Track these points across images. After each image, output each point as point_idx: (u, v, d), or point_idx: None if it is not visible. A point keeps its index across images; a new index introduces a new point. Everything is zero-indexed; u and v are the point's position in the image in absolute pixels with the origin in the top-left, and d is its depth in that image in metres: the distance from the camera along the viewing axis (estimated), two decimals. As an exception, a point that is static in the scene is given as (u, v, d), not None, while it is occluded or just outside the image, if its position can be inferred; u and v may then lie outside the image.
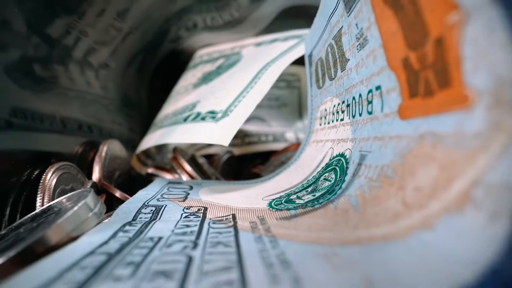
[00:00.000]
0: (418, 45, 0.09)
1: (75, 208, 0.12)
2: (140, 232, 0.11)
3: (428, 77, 0.09)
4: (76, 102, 0.28)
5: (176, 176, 0.25)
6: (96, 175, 0.22)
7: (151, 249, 0.09)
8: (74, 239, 0.11)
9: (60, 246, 0.11)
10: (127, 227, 0.12)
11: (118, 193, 0.19)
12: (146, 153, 0.30)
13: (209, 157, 0.32)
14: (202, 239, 0.10)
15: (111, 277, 0.07)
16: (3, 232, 0.14)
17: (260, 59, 0.26)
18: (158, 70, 0.39)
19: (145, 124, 0.37)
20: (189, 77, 0.32)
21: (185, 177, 0.23)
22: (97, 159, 0.23)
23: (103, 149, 0.23)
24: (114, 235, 0.11)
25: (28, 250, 0.11)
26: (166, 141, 0.22)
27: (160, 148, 0.33)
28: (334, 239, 0.09)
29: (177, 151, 0.25)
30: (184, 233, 0.11)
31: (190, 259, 0.08)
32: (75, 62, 0.28)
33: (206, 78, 0.28)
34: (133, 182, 0.29)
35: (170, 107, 0.29)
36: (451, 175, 0.08)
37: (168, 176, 0.24)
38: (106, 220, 0.13)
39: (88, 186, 0.19)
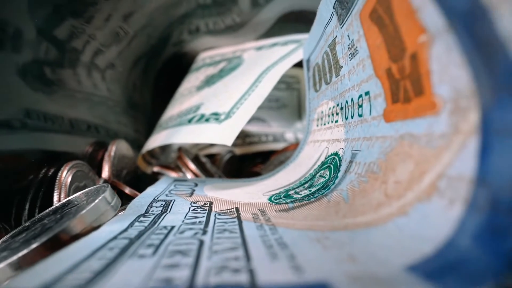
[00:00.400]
0: (398, 58, 0.10)
1: (96, 201, 0.13)
2: (154, 222, 0.13)
3: (406, 85, 0.10)
4: (84, 104, 0.29)
5: (181, 174, 0.26)
6: (105, 173, 0.23)
7: (166, 235, 0.11)
8: (95, 228, 0.13)
9: (83, 234, 0.13)
10: (141, 218, 0.13)
11: (127, 190, 0.21)
12: (151, 153, 0.32)
13: (211, 157, 0.34)
14: (210, 228, 0.12)
15: (136, 255, 0.09)
16: (27, 224, 0.15)
17: (260, 63, 0.27)
18: (161, 72, 0.41)
19: (149, 125, 0.38)
20: (192, 80, 0.34)
21: (189, 175, 0.25)
22: (106, 158, 0.24)
23: (112, 149, 0.24)
24: (131, 224, 0.12)
25: (56, 238, 0.12)
26: (172, 141, 0.24)
27: (164, 148, 0.35)
28: (325, 226, 0.11)
29: (182, 150, 0.26)
30: (194, 223, 0.12)
31: (201, 242, 0.10)
32: (83, 65, 0.29)
33: (209, 81, 0.30)
34: (139, 180, 0.30)
35: (174, 108, 0.30)
36: (423, 170, 0.09)
37: (173, 174, 0.26)
38: (121, 213, 0.14)
39: (100, 183, 0.21)
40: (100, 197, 0.13)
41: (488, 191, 0.07)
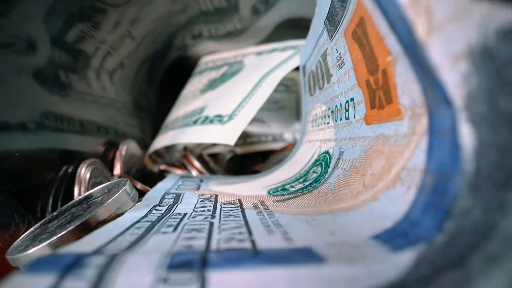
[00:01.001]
0: (374, 72, 0.13)
1: (119, 192, 0.15)
2: (168, 210, 0.15)
3: (380, 95, 0.13)
4: (94, 106, 0.31)
5: (186, 172, 0.29)
6: (117, 170, 0.26)
7: (181, 219, 0.13)
8: (118, 216, 0.15)
9: (108, 221, 0.15)
10: (157, 207, 0.16)
11: (139, 185, 0.23)
12: (157, 152, 0.34)
13: (214, 156, 0.36)
14: (217, 214, 0.14)
15: (159, 232, 0.11)
16: (54, 214, 0.18)
17: (260, 68, 0.29)
18: (165, 76, 0.43)
19: (155, 126, 0.41)
20: (195, 83, 0.36)
21: (194, 173, 0.27)
22: (118, 156, 0.26)
23: (123, 148, 0.27)
24: (149, 212, 0.15)
25: (87, 222, 0.14)
26: (178, 141, 0.26)
27: (169, 148, 0.37)
28: (314, 212, 0.13)
29: (187, 150, 0.28)
30: (203, 211, 0.15)
31: (211, 223, 0.12)
32: (93, 69, 0.31)
33: (212, 85, 0.32)
34: (146, 178, 0.32)
35: (179, 110, 0.33)
36: (391, 164, 0.11)
37: (179, 172, 0.28)
38: (138, 204, 0.17)
39: (115, 179, 0.23)
40: (122, 190, 0.16)
41: (431, 179, 0.09)
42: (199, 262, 0.08)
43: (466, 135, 0.08)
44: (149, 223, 0.13)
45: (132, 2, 0.32)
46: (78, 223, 0.14)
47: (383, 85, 0.12)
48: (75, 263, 0.08)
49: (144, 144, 0.36)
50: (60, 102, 0.27)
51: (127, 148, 0.27)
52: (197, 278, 0.07)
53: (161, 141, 0.30)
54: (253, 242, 0.10)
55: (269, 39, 0.38)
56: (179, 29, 0.39)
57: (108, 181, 0.24)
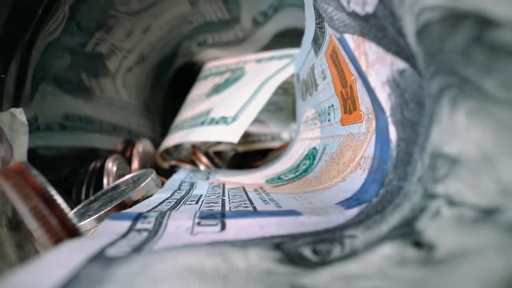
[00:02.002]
0: (345, 86, 0.17)
1: (148, 179, 0.20)
2: (187, 193, 0.20)
3: (349, 103, 0.17)
4: (109, 108, 0.36)
5: (194, 167, 0.33)
6: (135, 165, 0.30)
7: (199, 198, 0.18)
8: (148, 197, 0.20)
9: (139, 201, 0.20)
10: (177, 191, 0.20)
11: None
12: (166, 150, 0.39)
13: (218, 154, 0.41)
14: (226, 194, 0.19)
15: (185, 204, 0.16)
16: (92, 198, 0.22)
17: (260, 75, 0.34)
18: (173, 80, 0.47)
19: (163, 126, 0.45)
20: (201, 87, 0.41)
21: (202, 167, 0.32)
22: (135, 153, 0.31)
23: (140, 146, 0.31)
24: (172, 194, 0.19)
25: (124, 202, 0.19)
26: (188, 139, 0.31)
27: (177, 146, 0.41)
28: (300, 192, 0.18)
29: (196, 147, 0.33)
30: (214, 193, 0.19)
31: (223, 200, 0.17)
32: (109, 74, 0.36)
33: (217, 89, 0.37)
34: (158, 173, 0.37)
35: (187, 112, 0.37)
36: (355, 154, 0.16)
37: (188, 167, 0.33)
38: (161, 189, 0.21)
39: (141, 171, 0.28)
40: (149, 178, 0.20)
41: (376, 163, 0.14)
42: (219, 214, 0.12)
43: (392, 132, 0.12)
44: (175, 200, 0.17)
45: (146, 13, 0.36)
46: (118, 202, 0.18)
47: (351, 96, 0.17)
48: (139, 215, 0.12)
49: (155, 143, 0.41)
50: (81, 105, 0.32)
51: (143, 146, 0.32)
52: (218, 222, 0.12)
53: (172, 140, 0.34)
54: (254, 207, 0.14)
55: (268, 47, 0.42)
56: (185, 38, 0.44)
57: (128, 174, 0.29)
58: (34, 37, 0.20)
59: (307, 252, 0.10)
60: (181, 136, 0.33)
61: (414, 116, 0.11)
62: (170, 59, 0.45)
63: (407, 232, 0.09)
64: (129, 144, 0.33)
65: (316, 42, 0.21)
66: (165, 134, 0.41)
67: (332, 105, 0.20)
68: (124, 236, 0.10)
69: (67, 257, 0.08)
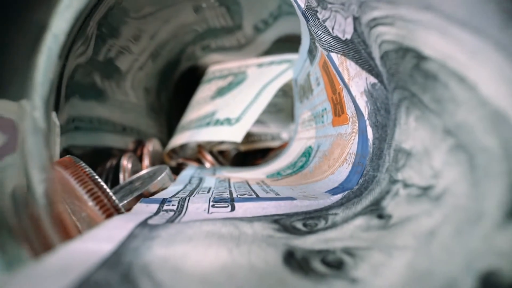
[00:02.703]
0: (334, 93, 0.20)
1: (163, 174, 0.23)
2: (197, 186, 0.23)
3: (338, 108, 0.20)
4: (119, 110, 0.39)
5: (200, 165, 0.36)
6: (146, 162, 0.33)
7: (209, 190, 0.21)
8: (163, 189, 0.23)
9: (156, 193, 0.23)
10: (188, 184, 0.23)
11: (166, 174, 0.31)
12: (173, 149, 0.42)
13: (221, 153, 0.44)
14: (232, 187, 0.22)
15: (198, 192, 0.19)
16: (113, 190, 0.25)
17: (261, 79, 0.37)
18: (177, 82, 0.51)
19: (169, 126, 0.48)
20: (205, 90, 0.44)
21: (208, 165, 0.35)
22: (146, 152, 0.34)
23: (150, 145, 0.34)
24: (185, 187, 0.22)
25: (142, 194, 0.22)
26: (195, 139, 0.34)
27: (183, 145, 0.45)
28: (296, 184, 0.21)
29: (201, 146, 0.36)
30: (221, 186, 0.22)
31: (230, 191, 0.20)
32: (119, 77, 0.39)
33: (220, 92, 0.40)
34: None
35: (193, 113, 0.41)
36: (343, 151, 0.19)
37: (195, 164, 0.36)
38: (173, 183, 0.24)
39: (156, 166, 0.31)
40: (164, 172, 0.23)
41: (358, 158, 0.17)
42: (229, 199, 0.16)
43: (369, 133, 0.15)
44: (188, 191, 0.20)
45: (154, 17, 0.39)
46: (139, 193, 0.22)
47: (339, 102, 0.20)
48: (164, 200, 0.15)
49: (162, 142, 0.44)
50: (95, 107, 0.35)
51: (153, 145, 0.35)
52: (229, 204, 0.15)
53: (179, 139, 0.37)
54: (257, 195, 0.17)
55: (268, 51, 0.45)
56: (190, 42, 0.47)
57: (140, 170, 0.32)
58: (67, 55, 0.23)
59: (299, 225, 0.13)
60: (188, 136, 0.36)
61: (384, 120, 0.14)
62: (175, 63, 0.48)
63: (375, 209, 0.12)
64: (140, 144, 0.36)
65: (311, 53, 0.24)
66: (171, 134, 0.44)
67: (325, 109, 0.23)
68: (155, 214, 0.14)
69: (123, 223, 0.11)
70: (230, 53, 0.47)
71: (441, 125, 0.10)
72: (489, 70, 0.08)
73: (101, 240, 0.09)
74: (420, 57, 0.10)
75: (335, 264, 0.09)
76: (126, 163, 0.29)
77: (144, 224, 0.11)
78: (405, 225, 0.10)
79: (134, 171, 0.30)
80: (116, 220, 0.11)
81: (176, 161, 0.39)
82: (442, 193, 0.10)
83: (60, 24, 0.20)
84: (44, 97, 0.17)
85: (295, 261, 0.10)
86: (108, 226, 0.11)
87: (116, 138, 0.36)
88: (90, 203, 0.12)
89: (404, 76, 0.11)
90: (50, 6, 0.20)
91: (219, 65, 0.48)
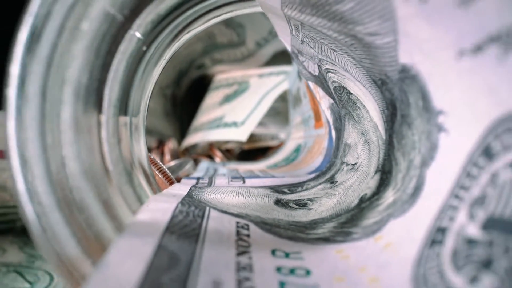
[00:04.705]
0: (315, 103, 0.30)
1: (189, 165, 0.32)
2: (214, 173, 0.32)
3: (318, 115, 0.30)
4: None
5: (210, 160, 0.45)
6: (167, 158, 0.43)
7: (224, 174, 0.30)
8: (188, 175, 0.32)
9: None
10: (207, 172, 0.33)
11: (185, 167, 0.40)
12: (186, 148, 0.51)
13: (227, 151, 0.53)
14: (241, 173, 0.31)
15: (217, 176, 0.28)
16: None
17: (262, 88, 0.46)
18: (187, 89, 0.60)
19: (181, 128, 0.57)
20: (213, 97, 0.53)
21: (218, 160, 0.44)
22: (166, 149, 0.43)
23: (170, 143, 0.44)
24: (205, 174, 0.32)
25: (176, 179, 0.31)
26: (207, 139, 0.43)
27: (193, 144, 0.54)
28: (287, 170, 0.30)
29: (212, 145, 0.45)
30: (232, 172, 0.32)
31: (240, 174, 0.29)
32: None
33: (227, 99, 0.49)
34: (180, 166, 0.49)
35: (203, 117, 0.50)
36: (320, 147, 0.28)
37: (206, 160, 0.45)
38: (196, 171, 0.34)
39: (181, 159, 0.40)
40: (189, 164, 0.33)
41: (327, 150, 0.26)
42: (241, 177, 0.25)
43: (333, 134, 0.25)
44: (209, 176, 0.30)
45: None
46: (175, 176, 0.31)
47: (317, 111, 0.29)
48: (199, 178, 0.25)
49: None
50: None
51: (171, 143, 0.44)
52: (241, 180, 0.24)
53: (193, 139, 0.47)
54: (258, 176, 0.27)
55: (268, 63, 0.55)
56: (199, 55, 0.56)
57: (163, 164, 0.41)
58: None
59: (285, 189, 0.22)
60: (201, 136, 0.45)
61: (339, 125, 0.23)
62: (187, 72, 0.57)
63: (330, 180, 0.22)
64: (160, 143, 0.45)
65: (300, 74, 0.33)
66: (182, 135, 0.54)
67: (310, 115, 0.32)
68: (196, 184, 0.23)
69: (183, 186, 0.20)
70: (235, 64, 0.56)
71: (360, 129, 0.19)
72: (372, 101, 0.17)
73: (178, 189, 0.19)
74: (349, 92, 0.19)
75: (302, 204, 0.19)
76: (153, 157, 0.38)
77: (194, 186, 0.20)
78: (341, 184, 0.19)
79: (160, 164, 0.39)
80: (178, 184, 0.20)
81: (190, 156, 0.48)
82: (359, 166, 0.19)
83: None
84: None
85: (280, 203, 0.19)
86: (176, 187, 0.20)
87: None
88: (161, 176, 0.21)
89: (344, 101, 0.20)
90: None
91: (224, 74, 0.57)
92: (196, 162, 0.46)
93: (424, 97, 0.12)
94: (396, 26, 0.11)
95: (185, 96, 0.60)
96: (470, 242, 0.09)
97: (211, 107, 0.51)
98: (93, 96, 0.11)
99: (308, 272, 0.11)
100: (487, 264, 0.08)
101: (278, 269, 0.11)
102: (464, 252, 0.09)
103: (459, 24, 0.08)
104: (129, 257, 0.09)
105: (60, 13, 0.11)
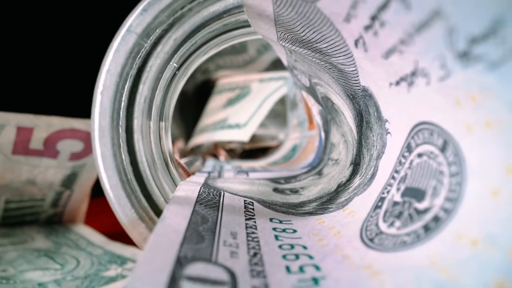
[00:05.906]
0: (308, 109, 0.35)
1: (198, 162, 0.38)
2: (221, 168, 0.38)
3: (311, 118, 0.35)
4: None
5: (215, 158, 0.51)
6: (176, 157, 0.48)
7: (230, 170, 0.36)
8: (199, 171, 0.37)
9: (194, 172, 0.37)
10: (215, 168, 0.38)
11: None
12: (192, 148, 0.56)
13: (230, 150, 0.58)
14: (245, 169, 0.36)
15: (225, 172, 0.34)
16: (161, 174, 0.40)
17: (262, 93, 0.52)
18: (193, 93, 0.65)
19: (187, 129, 0.63)
20: (217, 100, 0.59)
21: (222, 159, 0.50)
22: (175, 149, 0.49)
23: (179, 143, 0.49)
24: (213, 169, 0.37)
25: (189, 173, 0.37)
26: (212, 139, 0.49)
27: (199, 145, 0.59)
28: (284, 166, 0.36)
29: (217, 145, 0.51)
30: (237, 168, 0.37)
31: (246, 172, 0.35)
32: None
33: (230, 102, 0.55)
34: (187, 164, 0.55)
35: (208, 119, 0.55)
36: (312, 146, 0.34)
37: (212, 158, 0.51)
38: (204, 167, 0.39)
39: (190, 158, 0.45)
40: (199, 161, 0.38)
41: (317, 148, 0.31)
42: (245, 172, 0.30)
43: (322, 135, 0.30)
44: (218, 172, 0.35)
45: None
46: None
47: (310, 115, 0.34)
48: (209, 172, 0.30)
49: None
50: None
51: (180, 143, 0.50)
52: (245, 173, 0.30)
53: (199, 139, 0.52)
54: (259, 170, 0.32)
55: (268, 68, 0.60)
56: (205, 61, 0.61)
57: (174, 162, 0.46)
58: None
59: (281, 181, 0.27)
60: (206, 136, 0.51)
61: (327, 128, 0.29)
62: (192, 76, 0.63)
63: (318, 172, 0.27)
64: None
65: (295, 84, 0.39)
66: (188, 136, 0.59)
67: (305, 118, 0.38)
68: (208, 177, 0.28)
69: (199, 177, 0.26)
70: (237, 69, 0.62)
71: (341, 131, 0.24)
72: (348, 110, 0.22)
73: (196, 179, 0.24)
74: (332, 102, 0.25)
75: (294, 191, 0.24)
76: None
77: (208, 177, 0.26)
78: (326, 175, 0.25)
79: (171, 162, 0.45)
80: (194, 176, 0.26)
81: (197, 155, 0.53)
82: (340, 161, 0.24)
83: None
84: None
85: (277, 190, 0.24)
86: (194, 177, 0.25)
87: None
88: (182, 171, 0.27)
89: (329, 108, 0.26)
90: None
91: (227, 79, 0.63)
92: (203, 160, 0.52)
93: (377, 109, 0.17)
94: (355, 61, 0.16)
95: (190, 99, 0.66)
96: (394, 204, 0.14)
97: (215, 110, 0.57)
98: (150, 110, 0.16)
99: (294, 231, 0.17)
100: (398, 216, 0.13)
101: (274, 229, 0.16)
102: (390, 210, 0.14)
103: (385, 67, 0.14)
104: (177, 216, 0.15)
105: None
